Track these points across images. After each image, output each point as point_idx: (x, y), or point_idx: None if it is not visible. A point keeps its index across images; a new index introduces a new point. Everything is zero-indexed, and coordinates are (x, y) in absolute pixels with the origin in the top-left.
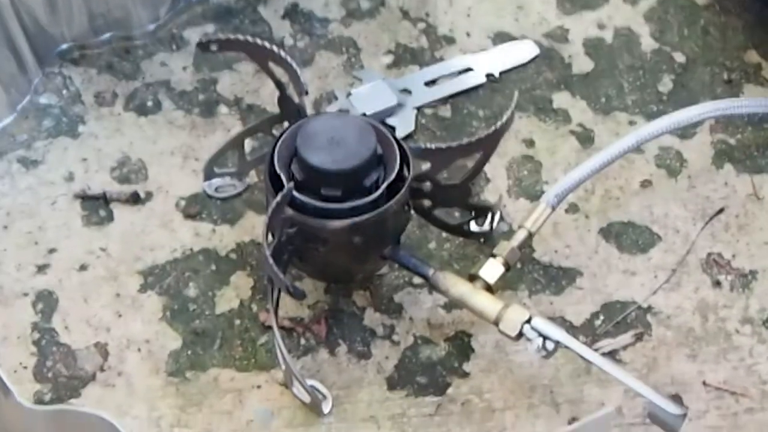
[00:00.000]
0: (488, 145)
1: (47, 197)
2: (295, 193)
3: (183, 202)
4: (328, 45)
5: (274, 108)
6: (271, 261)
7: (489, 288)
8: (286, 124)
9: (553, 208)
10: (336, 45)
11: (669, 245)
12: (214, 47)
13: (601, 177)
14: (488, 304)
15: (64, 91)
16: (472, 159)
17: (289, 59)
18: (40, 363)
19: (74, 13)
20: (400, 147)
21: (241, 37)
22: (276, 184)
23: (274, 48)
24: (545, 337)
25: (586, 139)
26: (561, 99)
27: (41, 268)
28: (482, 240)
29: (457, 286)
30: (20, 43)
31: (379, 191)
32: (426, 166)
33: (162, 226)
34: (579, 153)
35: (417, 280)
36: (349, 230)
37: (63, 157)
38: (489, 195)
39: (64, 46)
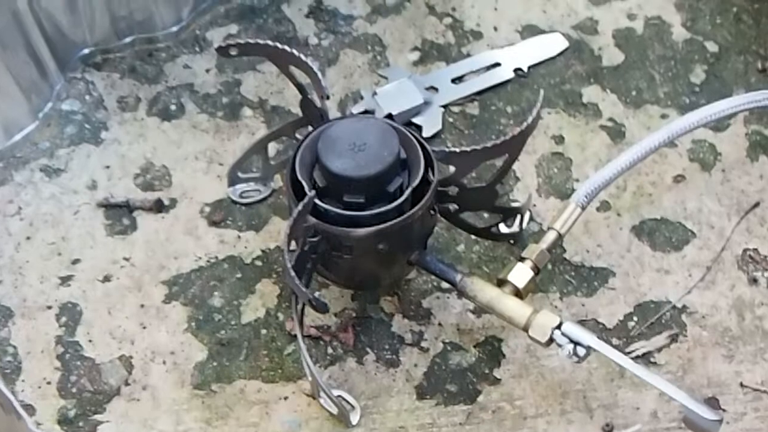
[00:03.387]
0: (514, 147)
1: (70, 206)
2: (317, 200)
3: (207, 209)
4: (353, 43)
5: (298, 110)
6: (292, 273)
7: (518, 293)
8: (309, 127)
9: (583, 208)
10: (361, 43)
11: (703, 242)
12: (233, 51)
13: (632, 172)
14: (517, 309)
15: (87, 97)
16: (499, 159)
17: (309, 62)
18: (64, 378)
19: (96, 17)
20: (424, 150)
21: (260, 40)
22: (298, 190)
23: (294, 51)
24: (576, 343)
25: (617, 133)
26: (591, 93)
27: (65, 280)
28: (512, 241)
29: (485, 291)
30: (41, 48)
31: (404, 197)
32: (451, 168)
33: (186, 234)
34: (610, 148)
35: (446, 284)
36: (374, 237)
37: (86, 164)
38: (518, 194)
39: (86, 51)
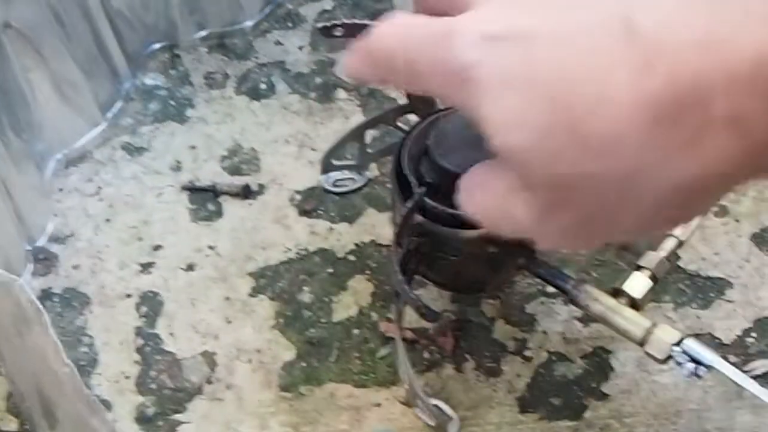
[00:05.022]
0: None
1: (153, 188)
2: (425, 198)
3: (298, 197)
4: None
5: (395, 94)
6: (400, 276)
7: (634, 304)
8: (412, 116)
9: (704, 214)
10: None
11: None
12: (338, 33)
13: None
14: (634, 322)
15: (172, 71)
16: None
17: None
18: (143, 373)
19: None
20: None
21: (367, 21)
22: (403, 184)
23: None
24: (697, 362)
25: None
26: None
27: (145, 267)
28: (623, 246)
29: (599, 300)
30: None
31: None
32: None
33: (275, 223)
34: None
35: (551, 288)
36: (484, 240)
37: (170, 143)
38: None
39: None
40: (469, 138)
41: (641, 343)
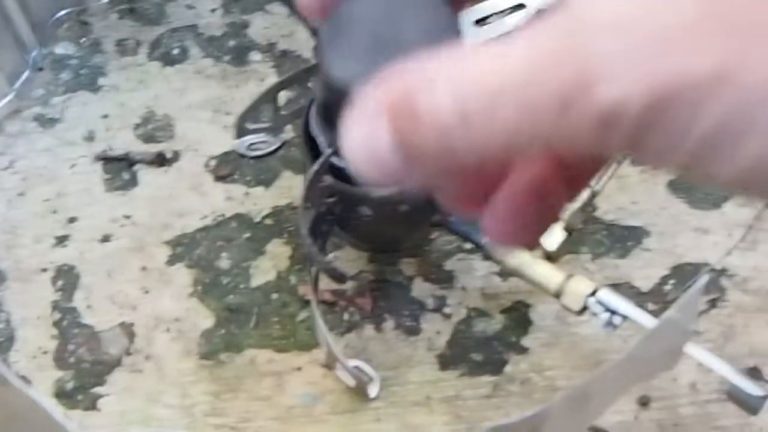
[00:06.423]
0: None
1: (66, 159)
2: (334, 158)
3: (213, 162)
4: None
5: (310, 54)
6: (308, 240)
7: (549, 256)
8: None
9: (620, 163)
10: None
11: (745, 198)
12: None
13: None
14: (548, 275)
15: (83, 40)
16: None
17: None
18: (61, 347)
19: None
20: None
21: None
22: (313, 146)
23: None
24: (612, 312)
25: None
26: None
27: (61, 240)
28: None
29: (513, 255)
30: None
31: None
32: None
33: (191, 190)
34: None
35: (469, 245)
36: (396, 198)
37: (83, 113)
38: None
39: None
40: None
41: (556, 296)
